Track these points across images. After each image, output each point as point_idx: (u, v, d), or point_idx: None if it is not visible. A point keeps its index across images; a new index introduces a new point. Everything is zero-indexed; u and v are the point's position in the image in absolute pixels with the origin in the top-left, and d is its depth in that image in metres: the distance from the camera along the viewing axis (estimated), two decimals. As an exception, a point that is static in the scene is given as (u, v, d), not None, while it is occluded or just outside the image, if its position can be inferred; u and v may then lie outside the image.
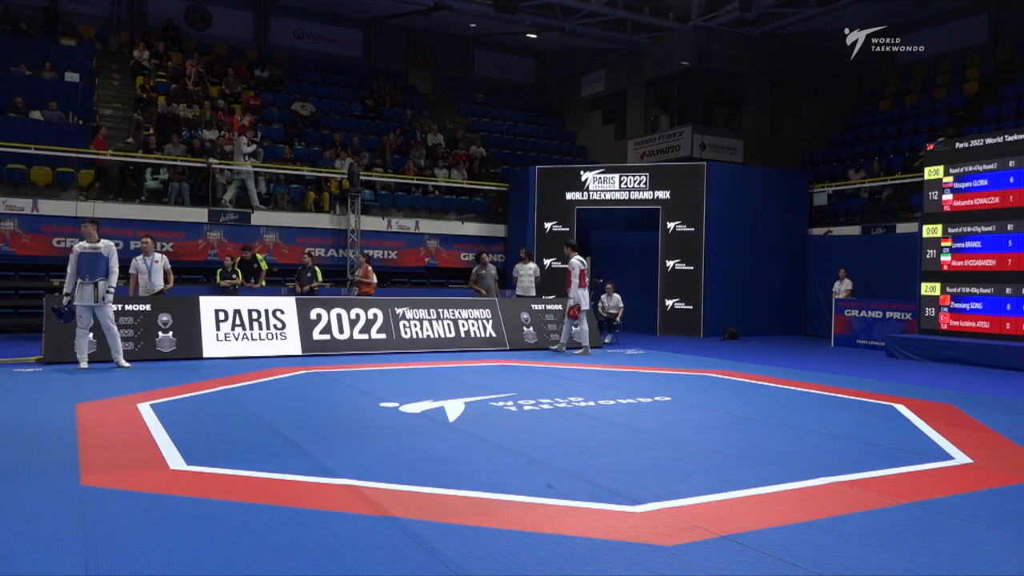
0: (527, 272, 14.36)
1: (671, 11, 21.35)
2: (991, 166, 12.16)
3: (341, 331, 11.74)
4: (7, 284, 14.50)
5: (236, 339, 10.99)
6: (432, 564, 3.25)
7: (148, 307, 10.64)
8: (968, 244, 12.43)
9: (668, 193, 16.80)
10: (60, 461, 4.91)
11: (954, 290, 12.60)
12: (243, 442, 5.59)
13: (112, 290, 9.30)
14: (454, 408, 7.00)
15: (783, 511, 4.07)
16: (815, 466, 5.02)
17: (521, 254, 14.83)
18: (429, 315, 12.51)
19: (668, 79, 21.92)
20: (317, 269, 14.27)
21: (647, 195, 16.93)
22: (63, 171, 15.27)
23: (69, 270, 9.25)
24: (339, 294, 14.93)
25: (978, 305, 12.25)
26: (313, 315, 11.67)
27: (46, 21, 19.28)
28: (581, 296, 12.08)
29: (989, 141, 12.28)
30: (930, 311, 12.90)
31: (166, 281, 11.35)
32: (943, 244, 12.77)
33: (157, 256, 11.43)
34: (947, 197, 12.76)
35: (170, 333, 10.61)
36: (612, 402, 7.57)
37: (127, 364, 9.53)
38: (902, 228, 16.24)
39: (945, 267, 12.73)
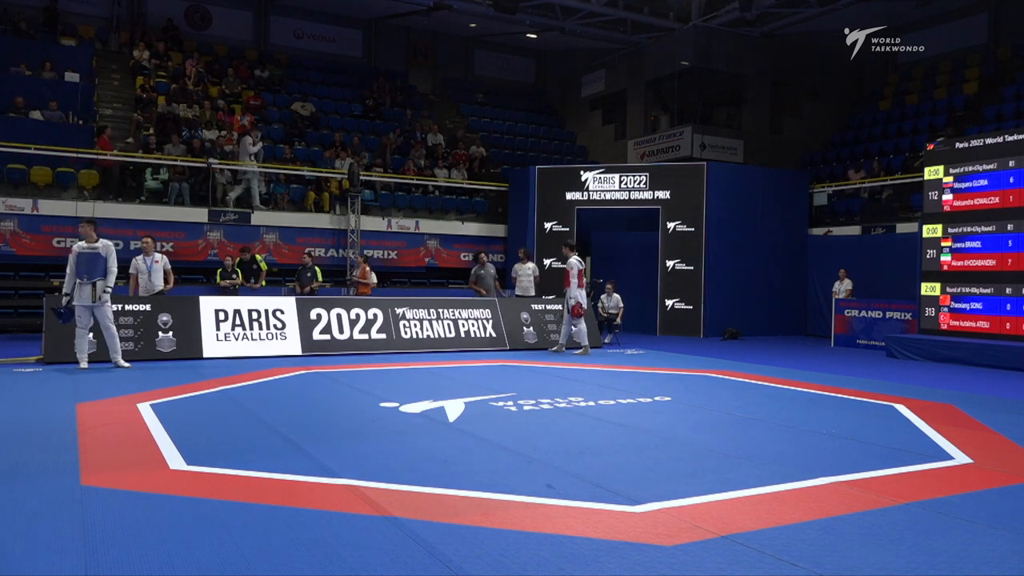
0: (526, 272, 14.36)
1: (671, 11, 21.35)
2: (991, 166, 12.16)
3: (341, 331, 11.74)
4: (7, 284, 14.50)
5: (236, 339, 10.99)
6: (432, 564, 3.25)
7: (148, 307, 10.64)
8: (968, 244, 12.43)
9: (668, 193, 16.80)
10: (60, 461, 4.91)
11: (954, 290, 12.60)
12: (243, 442, 5.59)
13: (109, 290, 9.29)
14: (454, 408, 7.00)
15: (783, 511, 4.07)
16: (815, 466, 5.02)
17: (520, 254, 14.83)
18: (429, 315, 12.51)
19: (668, 79, 21.92)
20: (317, 269, 14.27)
21: (647, 195, 16.94)
22: (63, 171, 15.27)
23: (68, 270, 9.26)
24: (339, 294, 14.92)
25: (978, 305, 12.25)
26: (313, 315, 11.67)
27: (46, 21, 19.28)
28: (580, 296, 12.09)
29: (989, 141, 12.28)
30: (930, 311, 12.90)
31: (166, 282, 11.34)
32: (943, 244, 12.77)
33: (157, 256, 11.43)
34: (947, 197, 12.76)
35: (170, 333, 10.61)
36: (612, 402, 7.57)
37: (126, 364, 9.54)
38: (902, 228, 16.24)
39: (945, 267, 12.73)
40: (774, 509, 4.10)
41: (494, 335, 12.79)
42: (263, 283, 14.03)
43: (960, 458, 5.39)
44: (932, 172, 13.04)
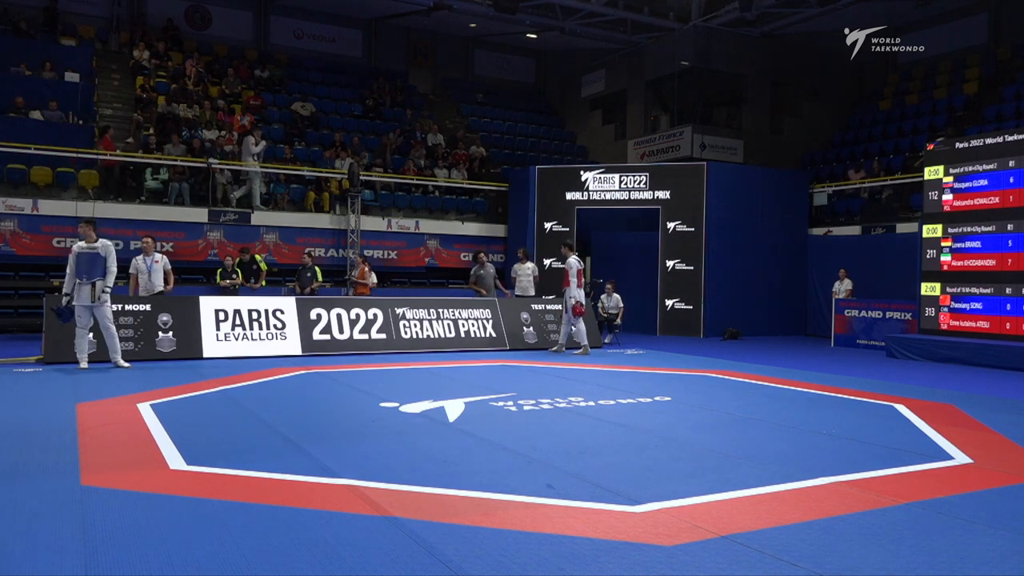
0: (525, 272, 14.36)
1: (671, 11, 21.35)
2: (991, 166, 12.16)
3: (341, 331, 11.74)
4: (7, 284, 14.51)
5: (236, 339, 10.99)
6: (432, 564, 3.25)
7: (148, 307, 10.64)
8: (968, 244, 12.43)
9: (668, 193, 16.81)
10: (60, 461, 4.91)
11: (954, 290, 12.60)
12: (243, 442, 5.59)
13: (108, 290, 9.28)
14: (454, 408, 7.00)
15: (783, 511, 4.07)
16: (815, 466, 5.02)
17: (519, 254, 14.83)
18: (429, 315, 12.51)
19: (668, 79, 21.92)
20: (317, 269, 14.27)
21: (647, 195, 16.94)
22: (63, 171, 15.27)
23: (68, 271, 9.27)
24: (339, 294, 14.93)
25: (978, 305, 12.25)
26: (313, 315, 11.67)
27: (46, 21, 19.28)
28: (580, 295, 12.10)
29: (989, 141, 12.28)
30: (930, 311, 12.90)
31: (166, 282, 11.32)
32: (943, 244, 12.77)
33: (157, 256, 11.42)
34: (947, 197, 12.76)
35: (170, 333, 10.61)
36: (612, 402, 7.57)
37: (126, 364, 9.54)
38: (902, 228, 16.24)
39: (945, 267, 12.73)
40: (774, 509, 4.10)
41: (494, 335, 12.79)
42: (263, 283, 14.03)
43: (960, 458, 5.39)
44: (932, 172, 13.05)
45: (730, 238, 16.79)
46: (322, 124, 20.19)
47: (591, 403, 7.46)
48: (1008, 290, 11.87)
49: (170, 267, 11.50)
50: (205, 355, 10.63)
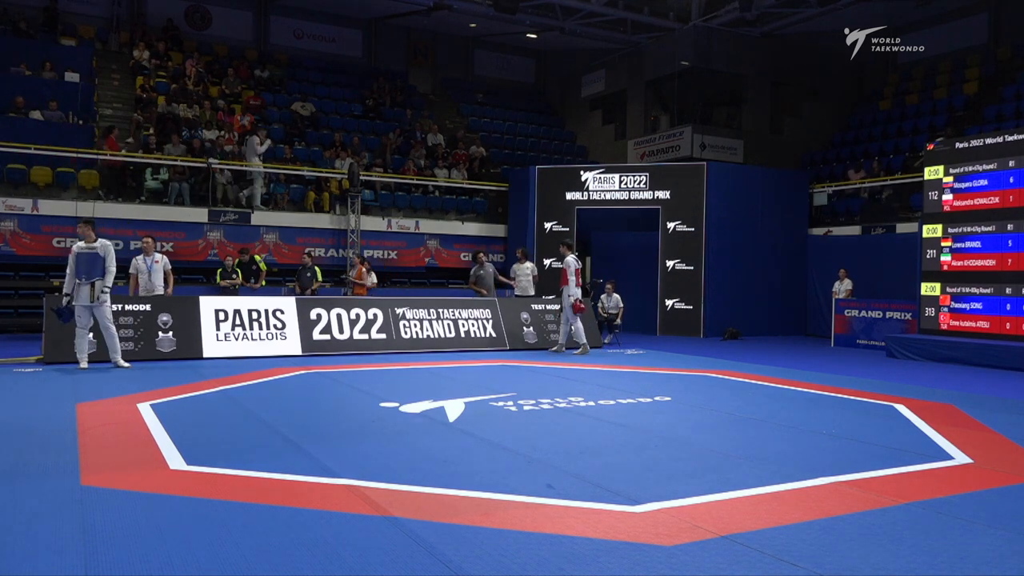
0: (524, 272, 14.36)
1: (671, 11, 21.35)
2: (991, 166, 12.16)
3: (341, 331, 11.74)
4: (7, 284, 14.51)
5: (236, 339, 10.99)
6: (432, 564, 3.25)
7: (148, 307, 10.64)
8: (968, 244, 12.43)
9: (668, 193, 16.81)
10: (60, 461, 4.91)
11: (954, 290, 12.60)
12: (243, 442, 5.59)
13: (107, 290, 9.28)
14: (454, 408, 7.00)
15: (783, 511, 4.07)
16: (815, 466, 5.02)
17: (518, 254, 14.83)
18: (429, 315, 12.51)
19: (668, 79, 21.92)
20: (317, 269, 14.28)
21: (647, 195, 16.94)
22: (63, 171, 15.27)
23: (68, 271, 9.27)
24: (339, 294, 14.93)
25: (978, 305, 12.25)
26: (313, 315, 11.67)
27: (46, 21, 19.28)
28: (578, 294, 12.10)
29: (989, 141, 12.28)
30: (930, 311, 12.90)
31: (166, 283, 11.31)
32: (943, 244, 12.77)
33: (157, 256, 11.42)
34: (947, 197, 12.76)
35: (170, 333, 10.61)
36: (612, 402, 7.57)
37: (126, 364, 9.54)
38: (902, 228, 16.24)
39: (945, 267, 12.73)
40: (774, 509, 4.10)
41: (494, 335, 12.79)
42: (263, 283, 14.03)
43: (960, 458, 5.39)
44: (932, 172, 13.04)
45: (730, 238, 16.79)
46: (322, 124, 20.19)
47: (591, 403, 7.46)
48: (1008, 290, 11.86)
49: (170, 267, 11.50)
50: (205, 355, 10.63)
